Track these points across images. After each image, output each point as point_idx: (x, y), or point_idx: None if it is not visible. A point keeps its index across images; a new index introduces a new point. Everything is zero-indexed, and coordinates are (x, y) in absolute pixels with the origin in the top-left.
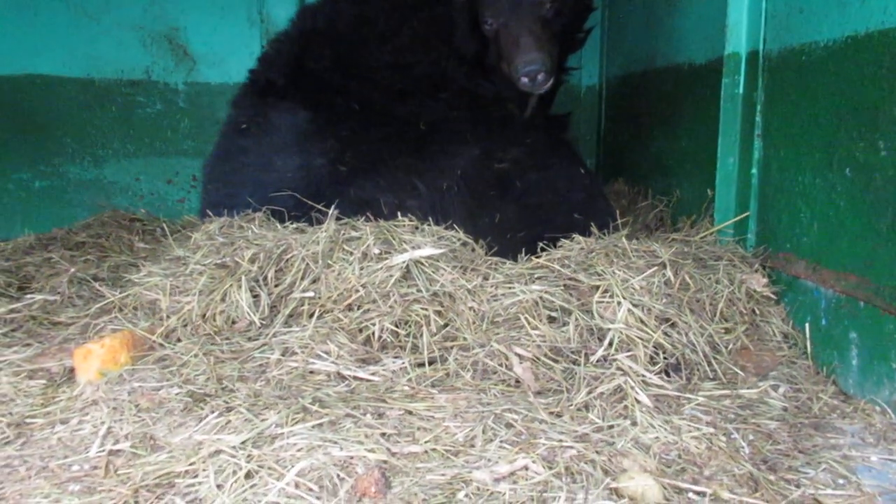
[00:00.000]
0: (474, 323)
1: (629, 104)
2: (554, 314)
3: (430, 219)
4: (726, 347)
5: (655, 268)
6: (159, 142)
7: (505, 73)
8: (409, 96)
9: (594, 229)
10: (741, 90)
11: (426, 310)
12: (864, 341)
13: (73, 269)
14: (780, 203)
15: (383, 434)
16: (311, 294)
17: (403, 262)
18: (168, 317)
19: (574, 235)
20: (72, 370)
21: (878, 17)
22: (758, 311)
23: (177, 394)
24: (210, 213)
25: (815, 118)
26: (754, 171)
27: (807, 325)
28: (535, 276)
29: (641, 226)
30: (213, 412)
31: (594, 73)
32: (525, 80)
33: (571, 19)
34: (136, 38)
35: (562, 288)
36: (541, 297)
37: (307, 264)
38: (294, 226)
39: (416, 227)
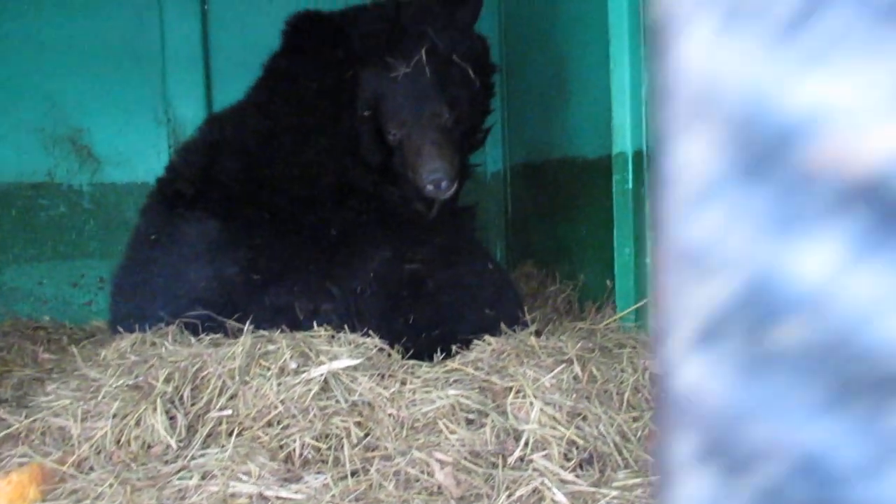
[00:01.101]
0: (394, 430)
1: (533, 190)
2: (471, 416)
3: (346, 322)
4: (635, 435)
5: (564, 364)
6: (63, 244)
7: (410, 179)
8: (319, 204)
9: (504, 327)
10: (630, 186)
11: (346, 421)
12: None
13: None
14: None
15: None
16: (228, 412)
17: (321, 374)
18: (80, 444)
19: (485, 336)
20: None
21: None
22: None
23: None
24: (120, 328)
25: None
26: (649, 260)
27: None
28: (451, 379)
29: (552, 309)
30: None
31: (498, 160)
32: (430, 187)
33: (471, 124)
34: (37, 140)
35: (477, 390)
36: (458, 401)
37: (224, 381)
38: (209, 337)
39: (332, 336)
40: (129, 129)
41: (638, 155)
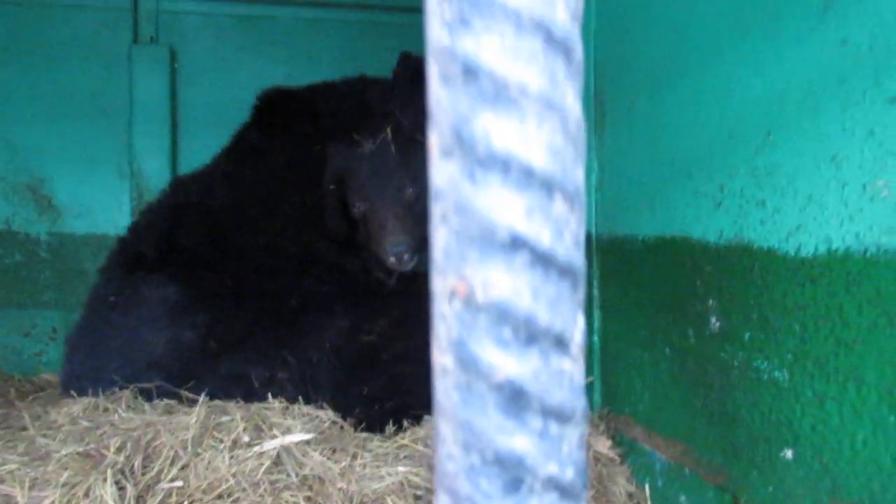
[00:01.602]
0: None
1: None
2: (419, 493)
3: (301, 391)
4: None
5: None
6: (16, 293)
7: (374, 251)
8: (281, 274)
9: None
10: None
11: (295, 496)
12: None
13: None
14: (618, 370)
15: None
16: (179, 483)
17: (273, 448)
18: None
19: None
20: None
21: (678, 225)
22: (605, 473)
23: None
24: (72, 390)
25: (639, 300)
26: (596, 338)
27: (646, 485)
28: (402, 455)
29: None
30: None
31: None
32: (393, 259)
33: None
34: None
35: (426, 468)
36: (406, 478)
37: (176, 451)
38: (164, 403)
39: (286, 408)
40: (92, 180)
41: (588, 237)
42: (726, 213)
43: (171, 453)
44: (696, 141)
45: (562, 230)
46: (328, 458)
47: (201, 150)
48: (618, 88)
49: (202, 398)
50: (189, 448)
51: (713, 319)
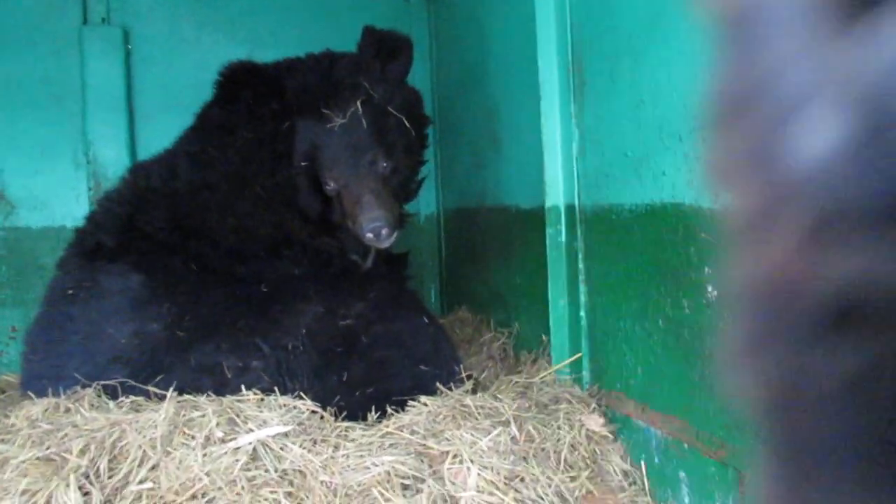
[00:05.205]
0: (327, 499)
1: (466, 235)
2: (407, 482)
3: (277, 380)
4: (573, 495)
5: (501, 426)
6: None
7: (350, 229)
8: (251, 257)
9: (440, 385)
10: (563, 239)
11: (275, 492)
12: (691, 480)
13: None
14: (607, 345)
15: None
16: (149, 485)
17: (249, 443)
18: None
19: (421, 398)
20: None
21: (669, 191)
22: (598, 451)
23: None
24: (31, 391)
25: (628, 271)
26: (583, 313)
27: (642, 462)
28: (387, 444)
29: (487, 357)
30: None
31: (432, 202)
32: (370, 235)
33: (407, 173)
34: None
35: (413, 456)
36: (393, 468)
37: (144, 451)
38: (129, 400)
39: (262, 400)
40: (46, 171)
41: (570, 208)
42: None
43: (140, 453)
44: (687, 103)
45: None
46: (308, 451)
47: (161, 135)
48: (598, 53)
49: (170, 393)
50: (158, 447)
51: (710, 288)
